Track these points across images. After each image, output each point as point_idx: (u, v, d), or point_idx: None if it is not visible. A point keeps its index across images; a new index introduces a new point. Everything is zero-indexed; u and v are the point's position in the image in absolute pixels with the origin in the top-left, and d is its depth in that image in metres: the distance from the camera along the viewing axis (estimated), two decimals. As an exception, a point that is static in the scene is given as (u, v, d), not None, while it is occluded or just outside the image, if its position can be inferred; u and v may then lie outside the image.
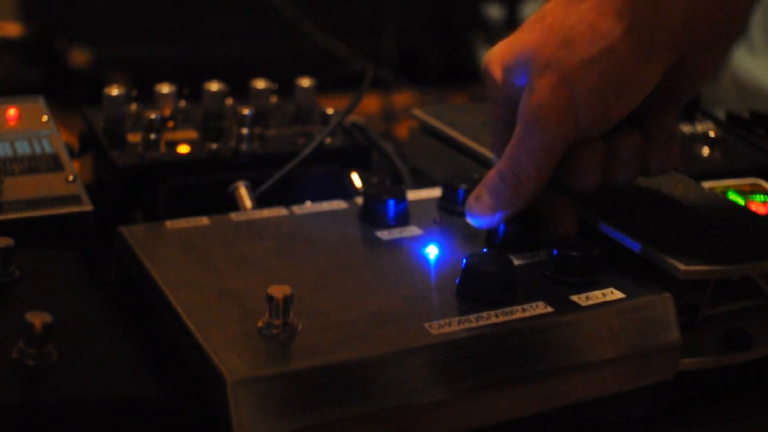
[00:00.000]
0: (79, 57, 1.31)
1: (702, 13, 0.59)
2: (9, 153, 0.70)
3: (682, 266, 0.59)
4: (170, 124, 0.79)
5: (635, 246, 0.62)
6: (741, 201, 0.72)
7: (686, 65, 0.60)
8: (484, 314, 0.56)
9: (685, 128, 0.85)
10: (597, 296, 0.59)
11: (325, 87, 0.88)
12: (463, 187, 0.69)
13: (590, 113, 0.59)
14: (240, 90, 0.84)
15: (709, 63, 0.61)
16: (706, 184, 0.71)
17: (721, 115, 0.90)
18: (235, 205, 0.71)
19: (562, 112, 0.59)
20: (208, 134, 0.78)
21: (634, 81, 0.59)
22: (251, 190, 0.72)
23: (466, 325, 0.55)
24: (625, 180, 0.64)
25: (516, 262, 0.61)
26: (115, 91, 0.77)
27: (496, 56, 0.63)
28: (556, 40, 0.59)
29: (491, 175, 0.63)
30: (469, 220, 0.64)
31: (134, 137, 0.76)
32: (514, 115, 0.63)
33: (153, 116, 0.74)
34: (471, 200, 0.64)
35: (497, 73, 0.63)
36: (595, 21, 0.58)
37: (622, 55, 0.58)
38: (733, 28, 0.60)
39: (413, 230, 0.66)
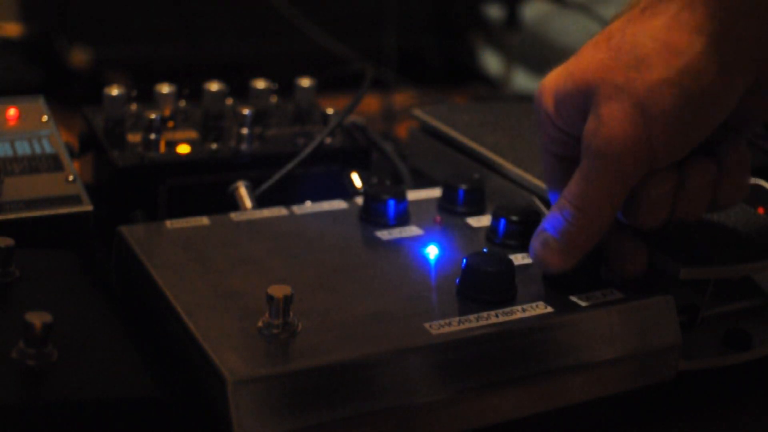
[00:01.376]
0: (79, 57, 1.31)
1: None
2: (9, 153, 0.70)
3: (682, 266, 0.59)
4: (170, 124, 0.79)
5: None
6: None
7: (765, 84, 0.55)
8: (484, 314, 0.56)
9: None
10: (597, 296, 0.59)
11: (325, 87, 0.88)
12: (463, 187, 0.69)
13: (666, 140, 0.54)
14: (240, 90, 0.84)
15: None
16: (706, 184, 0.71)
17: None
18: (235, 205, 0.71)
19: (636, 142, 0.54)
20: (208, 134, 0.78)
21: (713, 102, 0.54)
22: (251, 190, 0.72)
23: (466, 325, 0.55)
24: (692, 216, 0.59)
25: (516, 262, 0.61)
26: (115, 91, 0.77)
27: (549, 85, 0.58)
28: (625, 61, 0.54)
29: (553, 214, 0.57)
30: (540, 266, 0.59)
31: (134, 137, 0.76)
32: (567, 150, 0.59)
33: (153, 116, 0.74)
34: (537, 246, 0.58)
35: (549, 103, 0.58)
36: (670, 38, 0.53)
37: (701, 73, 0.53)
38: None
39: (413, 230, 0.66)
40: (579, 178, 0.56)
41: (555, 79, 0.58)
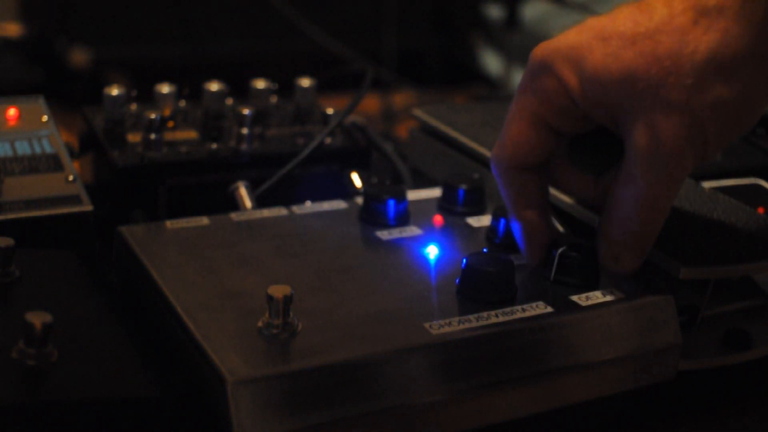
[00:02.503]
0: (79, 57, 1.31)
1: None
2: (9, 153, 0.70)
3: (682, 266, 0.59)
4: (170, 124, 0.79)
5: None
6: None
7: None
8: (484, 314, 0.56)
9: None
10: (597, 296, 0.59)
11: (325, 87, 0.88)
12: (463, 187, 0.69)
13: (716, 148, 0.56)
14: (240, 90, 0.84)
15: None
16: (706, 184, 0.71)
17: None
18: (235, 205, 0.71)
19: (696, 155, 0.56)
20: (208, 134, 0.78)
21: (758, 115, 0.56)
22: (251, 190, 0.72)
23: (466, 325, 0.55)
24: None
25: (516, 262, 0.61)
26: (115, 91, 0.77)
27: (570, 59, 0.56)
28: (682, 78, 0.54)
29: (620, 230, 0.58)
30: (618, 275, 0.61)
31: (134, 137, 0.76)
32: (567, 125, 0.59)
33: (153, 116, 0.74)
34: (610, 263, 0.60)
35: (571, 77, 0.56)
36: (727, 61, 0.54)
37: (754, 95, 0.55)
38: None
39: (413, 230, 0.66)
40: (642, 192, 0.57)
41: (578, 54, 0.56)
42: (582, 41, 0.56)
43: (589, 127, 0.60)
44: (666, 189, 0.57)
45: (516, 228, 0.61)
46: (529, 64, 0.59)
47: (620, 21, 0.56)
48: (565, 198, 0.67)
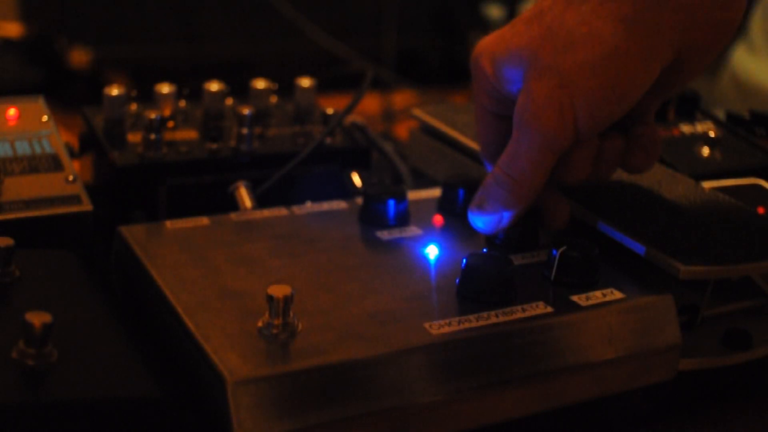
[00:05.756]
0: (79, 57, 1.31)
1: (702, 17, 0.59)
2: (9, 153, 0.70)
3: (682, 266, 0.59)
4: (170, 124, 0.79)
5: (636, 246, 0.62)
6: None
7: (683, 66, 0.60)
8: (484, 314, 0.56)
9: (685, 128, 0.85)
10: (597, 296, 0.59)
11: (325, 87, 0.88)
12: (463, 187, 0.69)
13: (588, 116, 0.59)
14: (240, 90, 0.84)
15: (705, 63, 0.61)
16: (706, 184, 0.71)
17: (721, 115, 0.90)
18: (235, 205, 0.71)
19: (561, 116, 0.59)
20: (208, 134, 0.78)
21: (632, 85, 0.59)
22: (251, 190, 0.72)
23: (466, 325, 0.55)
24: (606, 177, 0.65)
25: (516, 262, 0.61)
26: (115, 91, 0.77)
27: (487, 49, 0.62)
28: (555, 43, 0.59)
29: (489, 181, 0.62)
30: (475, 227, 0.64)
31: (134, 137, 0.76)
32: (501, 107, 0.63)
33: (153, 116, 0.74)
34: (473, 208, 0.63)
35: (488, 65, 0.62)
36: (596, 25, 0.58)
37: (623, 59, 0.58)
38: (731, 29, 0.60)
39: (413, 230, 0.66)
40: (512, 149, 0.61)
41: (494, 44, 0.62)
42: (500, 32, 0.63)
43: None
44: (529, 150, 0.60)
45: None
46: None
47: (528, 8, 0.62)
48: None
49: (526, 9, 0.63)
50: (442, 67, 1.63)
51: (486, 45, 0.63)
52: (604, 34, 0.58)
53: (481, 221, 0.63)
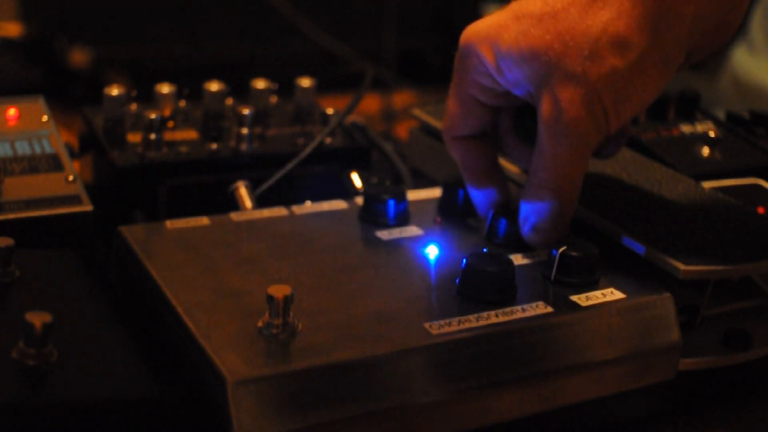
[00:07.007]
0: (79, 57, 1.31)
1: (708, 21, 0.60)
2: (9, 153, 0.70)
3: (682, 266, 0.59)
4: (170, 124, 0.79)
5: (636, 246, 0.62)
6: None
7: (683, 66, 0.62)
8: (484, 314, 0.56)
9: (685, 128, 0.85)
10: (597, 296, 0.59)
11: (325, 87, 0.88)
12: (463, 187, 0.69)
13: (616, 119, 0.60)
14: (240, 90, 0.84)
15: (698, 61, 0.63)
16: (706, 184, 0.71)
17: (721, 115, 0.90)
18: (235, 205, 0.71)
19: (596, 122, 0.59)
20: (208, 134, 0.78)
21: (654, 88, 0.60)
22: (251, 190, 0.72)
23: (466, 325, 0.55)
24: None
25: (516, 262, 0.61)
26: (115, 91, 0.77)
27: (487, 38, 0.61)
28: (579, 50, 0.58)
29: (535, 204, 0.62)
30: (539, 247, 0.64)
31: (134, 137, 0.76)
32: (494, 99, 0.63)
33: (153, 116, 0.74)
34: (531, 234, 0.63)
35: (489, 56, 0.61)
36: (620, 33, 0.58)
37: (647, 65, 0.59)
38: (732, 30, 0.62)
39: (413, 230, 0.66)
40: (548, 161, 0.61)
41: (493, 33, 0.61)
42: (500, 22, 0.61)
43: (519, 102, 0.64)
44: (570, 158, 0.60)
45: (469, 191, 0.67)
46: (458, 45, 0.63)
47: (533, 2, 0.61)
48: (512, 167, 0.71)
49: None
50: (442, 67, 1.63)
51: (483, 33, 0.62)
52: (630, 43, 0.58)
53: (544, 243, 0.63)
